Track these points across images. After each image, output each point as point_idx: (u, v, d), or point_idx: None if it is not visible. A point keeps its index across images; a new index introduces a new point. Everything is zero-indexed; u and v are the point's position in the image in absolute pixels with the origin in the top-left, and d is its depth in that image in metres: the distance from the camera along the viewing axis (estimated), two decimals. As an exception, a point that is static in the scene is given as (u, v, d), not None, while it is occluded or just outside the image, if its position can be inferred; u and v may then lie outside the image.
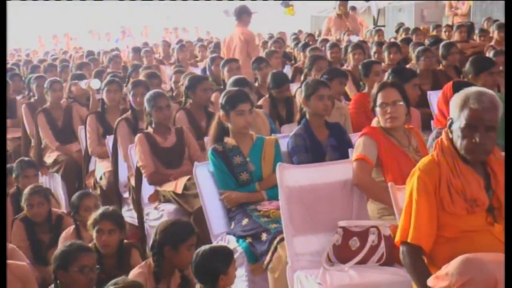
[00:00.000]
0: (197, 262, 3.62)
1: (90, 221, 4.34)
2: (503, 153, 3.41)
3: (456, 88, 4.68)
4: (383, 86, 4.62)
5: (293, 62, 11.14)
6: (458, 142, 3.25)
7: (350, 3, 16.26)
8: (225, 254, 3.66)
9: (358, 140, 4.56)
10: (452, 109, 3.30)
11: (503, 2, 15.84)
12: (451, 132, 3.30)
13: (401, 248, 3.29)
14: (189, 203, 5.28)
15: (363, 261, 3.98)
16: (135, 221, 5.97)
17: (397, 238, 3.35)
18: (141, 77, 7.75)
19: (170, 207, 5.50)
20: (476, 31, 12.07)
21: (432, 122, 5.68)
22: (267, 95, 6.91)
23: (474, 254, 3.02)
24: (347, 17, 11.82)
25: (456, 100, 3.31)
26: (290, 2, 20.14)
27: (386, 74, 6.04)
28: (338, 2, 11.67)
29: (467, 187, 3.22)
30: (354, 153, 4.52)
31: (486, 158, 3.31)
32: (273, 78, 6.83)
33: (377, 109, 4.55)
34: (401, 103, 4.53)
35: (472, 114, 3.21)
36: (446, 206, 3.22)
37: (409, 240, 3.24)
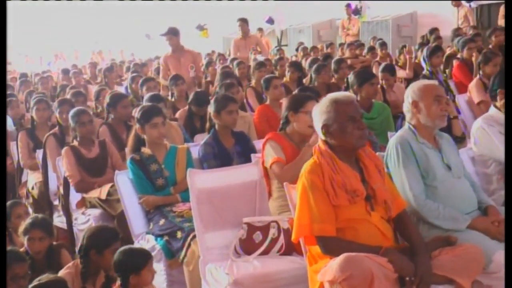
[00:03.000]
0: (116, 258, 3.56)
1: (21, 229, 4.22)
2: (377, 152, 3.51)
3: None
4: (311, 98, 4.62)
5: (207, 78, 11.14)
6: (344, 137, 3.31)
7: (257, 26, 16.42)
8: (141, 256, 3.57)
9: (266, 146, 4.55)
10: (323, 116, 3.38)
11: (387, 24, 16.35)
12: (329, 136, 3.36)
13: (319, 244, 3.28)
14: (113, 207, 5.24)
15: (265, 252, 4.00)
16: (65, 226, 5.87)
17: (297, 234, 3.36)
18: (67, 95, 7.64)
19: (96, 211, 5.44)
20: (365, 49, 12.36)
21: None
22: (184, 108, 6.87)
23: (354, 254, 3.07)
24: (248, 37, 11.86)
25: (322, 107, 3.39)
26: (204, 26, 20.19)
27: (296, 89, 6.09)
28: (238, 23, 11.72)
29: (346, 181, 3.28)
30: (267, 159, 4.49)
31: (366, 143, 3.40)
32: (195, 97, 6.67)
33: (303, 115, 4.49)
34: None
35: (348, 108, 3.33)
36: (331, 199, 3.26)
37: (320, 234, 3.25)
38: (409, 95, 3.89)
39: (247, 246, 4.04)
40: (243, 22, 11.71)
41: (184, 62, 9.24)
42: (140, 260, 3.55)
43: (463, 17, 14.28)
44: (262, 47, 11.94)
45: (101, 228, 4.07)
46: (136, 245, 4.50)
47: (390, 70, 7.75)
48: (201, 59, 10.45)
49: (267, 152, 4.51)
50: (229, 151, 5.12)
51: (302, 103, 4.52)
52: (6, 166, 5.73)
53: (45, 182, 6.31)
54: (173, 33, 9.32)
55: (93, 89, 10.55)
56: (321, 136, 3.42)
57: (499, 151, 4.19)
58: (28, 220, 4.26)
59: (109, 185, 5.35)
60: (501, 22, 13.52)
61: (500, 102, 4.40)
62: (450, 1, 14.87)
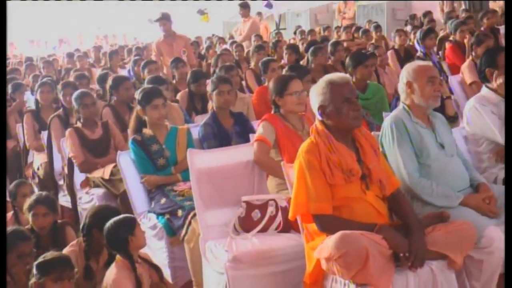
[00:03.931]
0: (106, 234, 3.54)
1: (25, 206, 4.23)
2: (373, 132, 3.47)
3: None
4: (292, 78, 4.58)
5: (207, 60, 11.09)
6: (340, 118, 3.28)
7: (256, 10, 16.31)
8: (128, 221, 3.58)
9: (259, 126, 4.55)
10: (320, 98, 3.34)
11: (382, 7, 16.24)
12: (325, 117, 3.32)
13: (316, 222, 3.25)
14: (116, 187, 5.21)
15: (264, 230, 3.96)
16: (69, 205, 5.87)
17: (294, 212, 3.34)
18: (71, 78, 7.60)
19: (99, 191, 5.41)
20: (360, 32, 12.27)
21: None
22: (185, 90, 6.84)
23: (350, 232, 3.05)
24: (248, 20, 11.82)
25: (319, 88, 3.35)
26: (205, 10, 20.06)
27: (284, 71, 6.05)
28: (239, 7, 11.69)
29: (342, 160, 3.25)
30: (255, 136, 4.49)
31: (362, 123, 3.37)
32: (191, 74, 6.79)
33: (289, 97, 4.47)
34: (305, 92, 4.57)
35: (344, 89, 3.30)
36: (328, 178, 3.23)
37: (317, 212, 3.22)
38: (403, 76, 3.85)
39: (245, 224, 4.00)
40: (243, 7, 11.66)
41: (176, 47, 9.16)
42: (129, 223, 3.55)
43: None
44: (252, 29, 11.87)
45: (102, 207, 4.09)
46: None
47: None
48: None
49: (258, 131, 4.50)
50: (228, 131, 5.07)
51: (285, 85, 4.49)
52: (6, 166, 5.69)
53: (50, 162, 6.30)
54: (166, 19, 9.23)
55: (97, 72, 10.53)
56: (318, 117, 3.37)
57: (491, 130, 4.17)
58: (32, 197, 4.29)
59: (112, 165, 5.31)
60: (492, 5, 13.44)
61: (495, 83, 4.33)
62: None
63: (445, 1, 14.38)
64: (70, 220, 5.43)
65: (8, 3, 6.70)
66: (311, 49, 7.87)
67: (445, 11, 13.79)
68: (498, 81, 4.30)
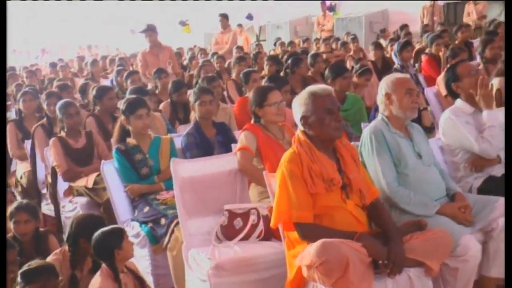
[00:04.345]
0: (94, 244, 3.52)
1: (7, 214, 4.18)
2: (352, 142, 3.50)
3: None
4: (271, 89, 4.62)
5: (190, 71, 11.09)
6: (322, 128, 3.30)
7: (237, 21, 16.35)
8: (116, 232, 3.55)
9: (241, 136, 4.57)
10: (302, 108, 3.36)
11: (360, 20, 16.40)
12: (308, 127, 3.34)
13: (297, 230, 3.27)
14: (99, 196, 5.18)
15: (245, 238, 3.97)
16: (52, 213, 5.83)
17: (276, 221, 3.35)
18: (54, 88, 7.56)
19: (83, 199, 5.37)
20: (338, 44, 12.37)
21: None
22: (168, 100, 6.84)
23: (330, 240, 3.06)
24: (226, 32, 11.86)
25: (301, 99, 3.38)
26: (187, 21, 20.08)
27: (264, 82, 6.08)
28: (219, 18, 11.72)
29: (323, 170, 3.27)
30: (238, 145, 4.52)
31: (342, 133, 3.40)
32: (173, 84, 6.83)
33: (268, 108, 4.51)
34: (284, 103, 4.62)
35: (326, 101, 3.33)
36: (309, 187, 3.25)
37: (298, 221, 3.24)
38: (382, 87, 3.89)
39: (228, 232, 4.01)
40: (223, 17, 11.70)
41: (162, 58, 9.17)
42: (117, 235, 3.53)
43: (438, 14, 14.39)
44: (232, 42, 11.92)
45: (88, 216, 4.05)
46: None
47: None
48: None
49: (239, 141, 4.52)
50: (211, 141, 5.08)
51: (265, 96, 4.52)
52: (5, 166, 5.64)
53: (33, 171, 6.23)
54: (152, 30, 9.25)
55: (80, 82, 10.49)
56: (300, 127, 3.40)
57: (467, 140, 4.22)
58: (13, 205, 4.25)
59: (96, 174, 5.29)
60: (466, 19, 13.66)
61: (464, 95, 4.37)
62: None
63: (425, 13, 14.55)
64: (53, 228, 5.39)
65: (8, 3, 6.59)
66: (292, 60, 7.90)
67: (424, 23, 13.97)
68: (465, 93, 4.36)
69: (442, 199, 3.77)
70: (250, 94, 4.80)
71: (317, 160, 3.28)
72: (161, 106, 6.79)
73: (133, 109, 4.77)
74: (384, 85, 3.89)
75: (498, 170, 4.20)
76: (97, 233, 3.54)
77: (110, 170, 4.79)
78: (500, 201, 3.68)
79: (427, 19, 14.25)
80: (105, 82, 9.79)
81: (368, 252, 3.10)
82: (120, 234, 3.55)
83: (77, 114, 5.69)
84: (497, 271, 3.64)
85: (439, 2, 14.84)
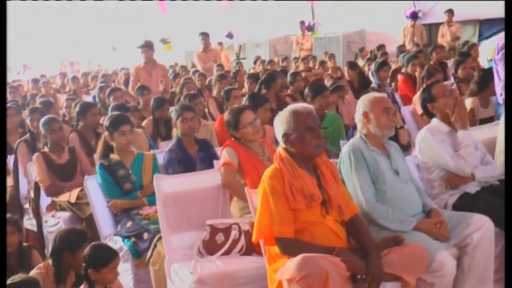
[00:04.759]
0: (84, 264, 3.49)
1: None
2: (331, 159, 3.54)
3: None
4: (242, 110, 4.66)
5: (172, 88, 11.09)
6: (303, 145, 3.34)
7: (217, 40, 16.42)
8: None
9: (223, 152, 4.61)
10: (284, 126, 3.40)
11: (338, 40, 16.56)
12: (289, 144, 3.38)
13: (278, 245, 3.28)
14: (82, 210, 5.16)
15: (227, 252, 4.00)
16: (35, 228, 5.79)
17: (257, 235, 3.37)
18: (37, 104, 7.54)
19: (66, 214, 5.34)
20: (317, 63, 12.48)
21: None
22: (150, 117, 6.86)
23: (311, 254, 3.09)
24: (209, 50, 11.90)
25: (283, 117, 3.42)
26: (168, 39, 20.11)
27: (244, 99, 6.12)
28: (200, 37, 11.75)
29: (304, 186, 3.31)
30: (221, 161, 4.55)
31: (322, 151, 3.44)
32: (155, 101, 6.85)
33: (244, 130, 4.57)
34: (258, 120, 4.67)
35: (307, 119, 3.37)
36: (290, 203, 3.28)
37: (279, 236, 3.26)
38: (360, 106, 3.95)
39: (210, 247, 4.03)
40: (205, 35, 11.74)
41: (155, 75, 9.18)
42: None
43: (419, 34, 14.58)
44: (218, 60, 11.97)
45: (71, 231, 4.00)
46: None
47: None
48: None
49: (222, 157, 4.56)
50: (193, 157, 5.11)
51: (238, 119, 4.60)
52: (6, 166, 5.60)
53: (16, 186, 6.22)
54: (148, 47, 9.27)
55: (62, 98, 10.46)
56: (282, 144, 3.44)
57: (441, 158, 4.28)
58: None
59: (79, 189, 5.27)
60: (440, 40, 13.88)
61: (439, 115, 4.45)
62: (395, 20, 15.18)
63: (406, 34, 14.74)
64: (36, 243, 5.36)
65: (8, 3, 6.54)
66: (266, 77, 7.92)
67: (405, 43, 14.15)
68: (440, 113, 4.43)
69: (418, 215, 3.82)
70: (225, 116, 4.84)
71: (298, 176, 3.32)
72: (143, 123, 6.80)
73: (117, 125, 4.78)
74: (362, 104, 3.95)
75: (472, 188, 4.27)
76: (93, 243, 3.53)
77: (93, 185, 4.78)
78: (475, 217, 3.74)
79: (407, 40, 14.44)
80: (87, 99, 9.77)
81: (347, 266, 3.14)
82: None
83: (61, 129, 5.69)
84: (472, 285, 3.70)
85: (419, 23, 15.05)
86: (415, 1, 15.83)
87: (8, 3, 4.38)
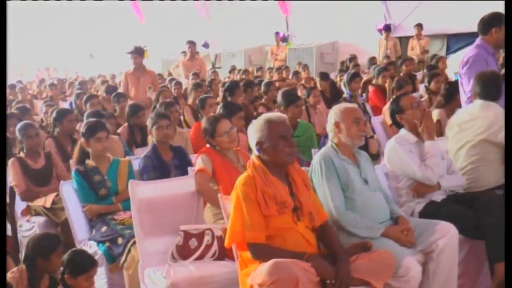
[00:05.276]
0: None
1: None
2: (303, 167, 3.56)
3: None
4: (218, 120, 4.69)
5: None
6: (276, 153, 3.36)
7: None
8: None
9: (197, 159, 4.62)
10: (257, 134, 3.42)
11: (312, 51, 16.67)
12: (262, 152, 3.41)
13: (250, 250, 3.29)
14: (57, 215, 5.14)
15: (200, 257, 4.00)
16: (9, 233, 5.69)
17: (230, 241, 3.37)
18: (13, 110, 7.47)
19: (41, 219, 5.32)
20: (291, 73, 12.54)
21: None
22: (126, 124, 6.83)
23: (282, 260, 3.10)
24: (195, 59, 11.91)
25: (257, 126, 3.44)
26: (144, 48, 20.01)
27: (218, 108, 6.14)
28: (187, 45, 11.74)
29: (277, 193, 3.32)
30: (195, 168, 4.56)
31: (295, 159, 3.46)
32: (130, 108, 6.85)
33: (220, 138, 4.60)
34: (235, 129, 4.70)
35: (280, 127, 3.39)
36: (262, 209, 3.29)
37: (251, 241, 3.26)
38: (332, 116, 3.99)
39: (183, 252, 4.03)
40: (192, 44, 11.75)
41: (143, 81, 9.12)
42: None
43: (392, 47, 14.75)
44: (203, 69, 11.98)
45: (43, 236, 3.92)
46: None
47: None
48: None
49: (197, 164, 4.57)
50: (168, 164, 5.11)
51: (214, 128, 4.63)
52: (6, 167, 5.51)
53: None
54: (138, 53, 9.21)
55: (39, 104, 10.38)
56: (255, 152, 3.46)
57: (409, 168, 4.33)
58: None
59: (54, 194, 5.25)
60: (410, 53, 14.07)
61: (407, 126, 4.51)
62: (367, 32, 15.35)
63: (380, 46, 14.90)
64: (10, 247, 5.30)
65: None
66: (228, 87, 7.99)
67: (380, 56, 14.31)
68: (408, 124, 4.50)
69: (386, 222, 3.86)
70: (202, 124, 4.86)
71: (271, 183, 3.33)
72: (119, 130, 6.78)
73: (93, 132, 4.78)
74: (333, 114, 3.99)
75: (438, 196, 4.34)
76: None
77: (68, 190, 4.76)
78: (440, 225, 3.80)
79: (382, 52, 14.59)
80: (64, 105, 9.70)
81: (317, 271, 3.16)
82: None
83: (37, 135, 5.67)
84: (436, 290, 3.75)
85: (393, 36, 15.24)
86: (386, 15, 16.03)
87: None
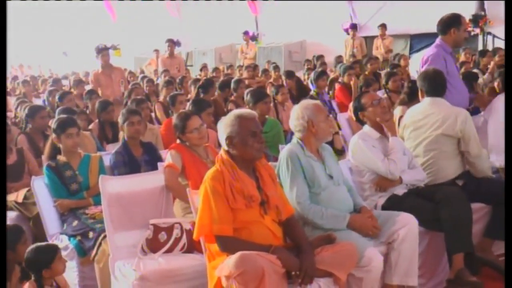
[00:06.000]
0: (26, 257, 3.44)
1: None
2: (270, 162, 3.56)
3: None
4: (189, 116, 4.66)
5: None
6: (245, 149, 3.35)
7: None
8: (48, 252, 3.47)
9: (167, 154, 4.59)
10: (227, 130, 3.40)
11: (280, 49, 16.70)
12: (232, 147, 3.40)
13: (218, 243, 3.28)
14: (29, 210, 5.08)
15: (169, 250, 3.98)
16: (-19, 228, 5.60)
17: (198, 233, 3.35)
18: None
19: (12, 214, 5.21)
20: (260, 71, 12.54)
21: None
22: (97, 120, 6.76)
23: (248, 252, 3.10)
24: (173, 57, 11.87)
25: (228, 121, 3.43)
26: (118, 45, 19.85)
27: (188, 105, 6.11)
28: (167, 44, 11.68)
29: (244, 187, 3.32)
30: (165, 163, 4.53)
31: (263, 154, 3.46)
32: (100, 104, 6.80)
33: (190, 134, 4.57)
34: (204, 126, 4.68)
35: (250, 123, 3.39)
36: (230, 203, 3.28)
37: (219, 234, 3.25)
38: (303, 113, 3.94)
39: (153, 245, 4.00)
40: (171, 43, 11.70)
41: (115, 78, 9.03)
42: (48, 256, 3.45)
43: (358, 46, 14.85)
44: (181, 67, 11.95)
45: (10, 228, 3.89)
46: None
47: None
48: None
49: (166, 159, 4.54)
50: (138, 159, 5.07)
51: (185, 124, 4.60)
52: (6, 165, 5.39)
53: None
54: (108, 51, 9.12)
55: (12, 100, 10.20)
56: (224, 147, 3.45)
57: (372, 163, 4.36)
58: None
59: (26, 189, 5.18)
60: (375, 52, 14.19)
61: (369, 122, 4.53)
62: (334, 32, 15.44)
63: (346, 46, 14.99)
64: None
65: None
66: (202, 84, 7.98)
67: (346, 55, 14.39)
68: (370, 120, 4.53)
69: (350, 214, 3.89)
70: (173, 120, 4.83)
71: (239, 178, 3.33)
72: (91, 126, 6.71)
73: (64, 128, 4.72)
74: (305, 111, 3.92)
75: (400, 190, 4.38)
76: (31, 246, 3.47)
77: (40, 185, 4.69)
78: (401, 215, 3.83)
79: (348, 51, 14.68)
80: (38, 102, 9.56)
81: (282, 263, 3.16)
82: (52, 254, 3.46)
83: (9, 131, 5.58)
84: (398, 279, 3.78)
85: (359, 35, 15.34)
86: (352, 15, 16.14)
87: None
